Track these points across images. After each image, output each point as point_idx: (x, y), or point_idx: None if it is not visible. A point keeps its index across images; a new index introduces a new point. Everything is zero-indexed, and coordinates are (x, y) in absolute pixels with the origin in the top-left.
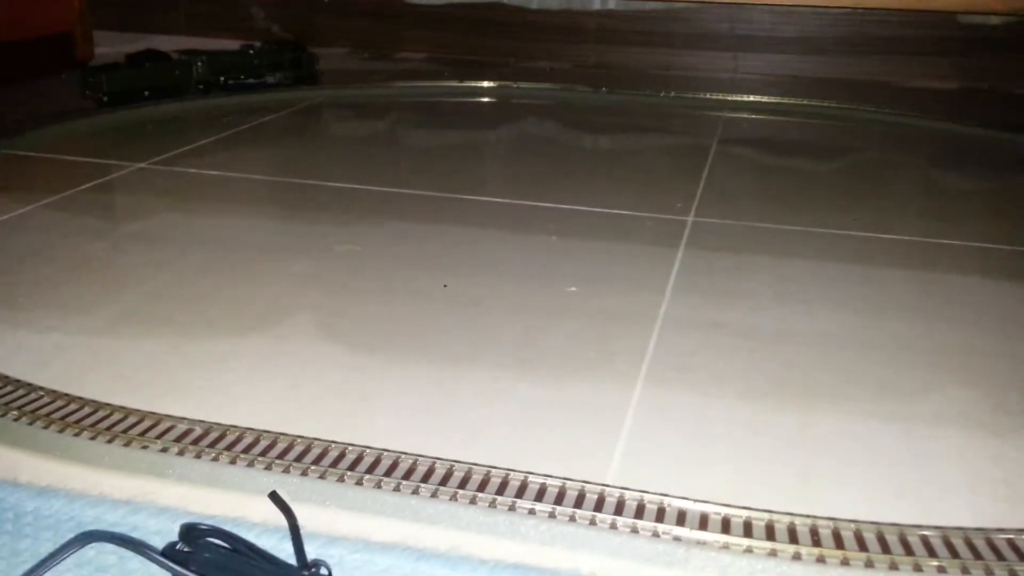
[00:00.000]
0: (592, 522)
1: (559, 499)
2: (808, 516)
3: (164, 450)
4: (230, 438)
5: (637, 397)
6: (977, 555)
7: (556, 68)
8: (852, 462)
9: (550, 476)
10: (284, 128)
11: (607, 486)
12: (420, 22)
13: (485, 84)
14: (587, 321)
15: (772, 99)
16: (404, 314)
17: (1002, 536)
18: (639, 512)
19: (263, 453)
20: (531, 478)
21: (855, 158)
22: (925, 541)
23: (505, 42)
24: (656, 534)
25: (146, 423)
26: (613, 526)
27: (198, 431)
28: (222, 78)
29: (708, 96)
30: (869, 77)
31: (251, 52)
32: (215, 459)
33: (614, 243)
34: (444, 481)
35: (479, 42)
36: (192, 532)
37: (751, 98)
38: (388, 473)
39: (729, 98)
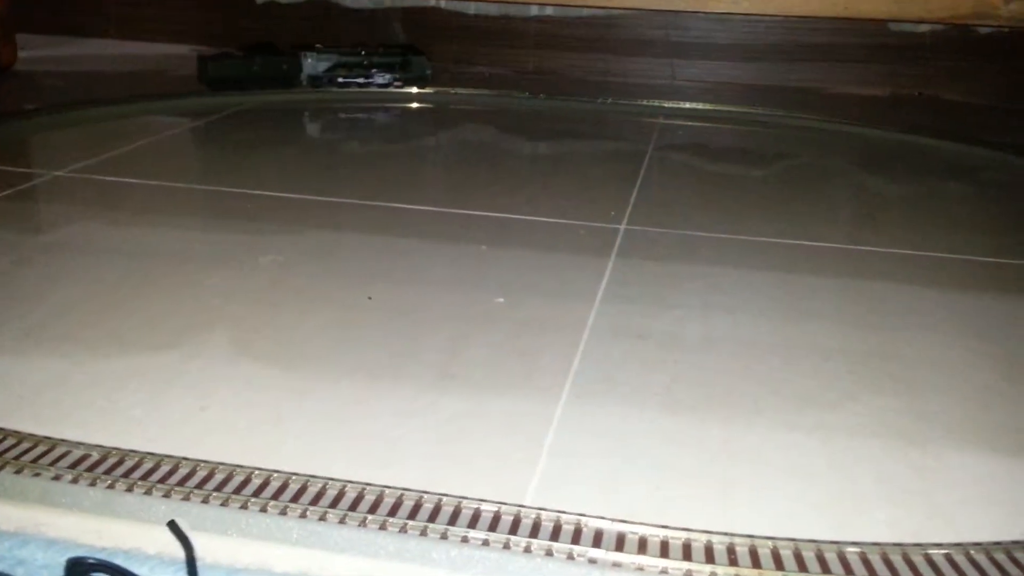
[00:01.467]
0: (506, 546)
1: (473, 522)
2: (725, 534)
3: (57, 477)
4: (128, 464)
5: (560, 412)
6: (894, 571)
7: (495, 74)
8: (772, 476)
9: (465, 498)
10: (212, 134)
11: (523, 507)
12: (357, 26)
13: (422, 90)
14: (514, 333)
15: (707, 106)
16: (325, 328)
17: (920, 553)
18: (555, 534)
19: (163, 480)
20: (445, 500)
21: (787, 165)
22: (842, 558)
23: (443, 47)
24: (571, 556)
25: (40, 448)
26: (527, 549)
27: (95, 456)
28: (332, 75)
29: (644, 103)
30: (802, 84)
31: (363, 52)
32: (110, 486)
33: (545, 252)
34: (354, 506)
35: (418, 46)
36: (78, 567)
37: (687, 105)
38: (295, 499)
39: (665, 104)
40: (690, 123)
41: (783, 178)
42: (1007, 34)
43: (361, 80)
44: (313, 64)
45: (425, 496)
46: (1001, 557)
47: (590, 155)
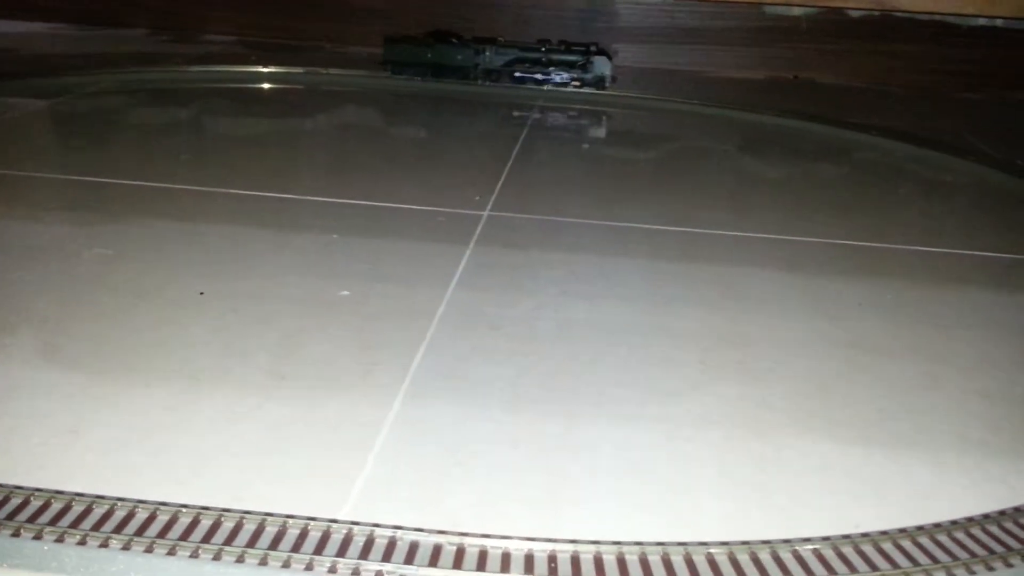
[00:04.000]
0: (308, 566)
1: (276, 541)
2: (548, 540)
3: None
4: None
5: (395, 413)
6: (717, 572)
7: (371, 54)
8: (608, 473)
9: (270, 515)
10: (60, 117)
11: (335, 522)
12: (227, 1)
13: (291, 70)
14: (356, 328)
15: (585, 90)
16: (148, 327)
17: (746, 551)
18: (366, 550)
19: None
20: (247, 519)
21: (664, 149)
22: (666, 561)
23: (320, 25)
24: (380, 575)
25: None
26: (333, 569)
27: None
28: (510, 70)
29: (524, 86)
30: (682, 67)
31: (543, 48)
32: None
33: (402, 241)
34: (142, 529)
35: (292, 24)
36: None
37: (568, 88)
38: (77, 523)
39: (544, 88)
40: (568, 106)
41: (658, 163)
42: (878, 17)
43: (539, 77)
44: (490, 57)
45: (224, 515)
46: (829, 553)
47: (462, 139)
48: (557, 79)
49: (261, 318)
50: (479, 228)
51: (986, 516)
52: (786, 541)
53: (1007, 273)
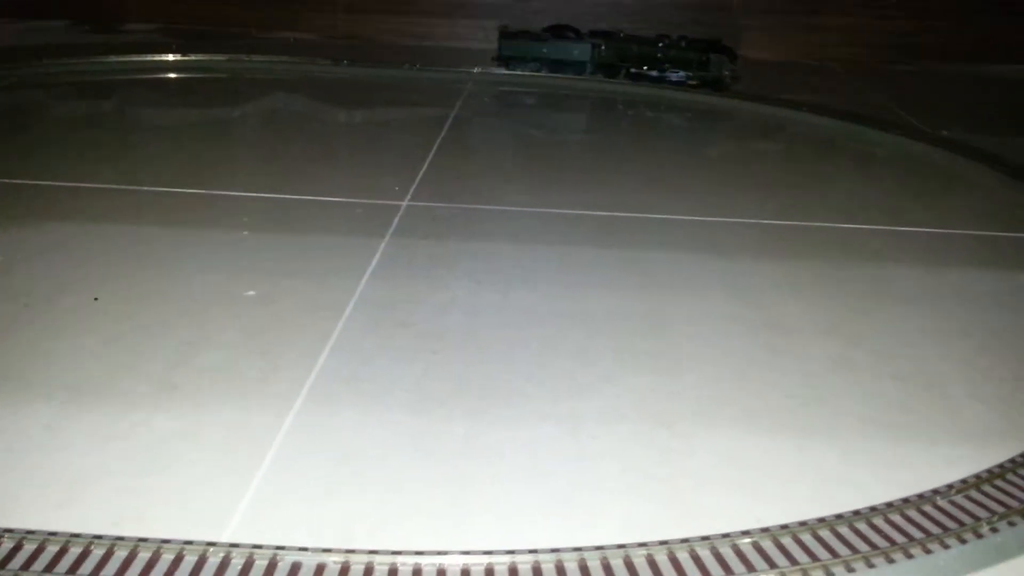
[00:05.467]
0: None
1: (147, 569)
2: (438, 553)
3: None
4: None
5: (291, 422)
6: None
7: (300, 40)
8: (511, 476)
9: (144, 540)
10: None
11: (213, 545)
12: None
13: (213, 57)
14: (259, 330)
15: (518, 72)
16: (36, 338)
17: (640, 553)
18: (244, 574)
19: None
20: (118, 545)
21: (594, 132)
22: (560, 568)
23: (245, 12)
24: None
25: None
26: None
27: None
28: (626, 66)
29: (454, 69)
30: None
31: (660, 44)
32: None
33: (315, 235)
34: (5, 562)
35: (217, 11)
36: None
37: (503, 71)
38: None
39: (475, 71)
40: (501, 89)
41: (586, 146)
42: None
43: (654, 74)
44: (606, 53)
45: (95, 543)
46: (727, 551)
47: (385, 126)
48: (673, 78)
49: (158, 323)
50: (396, 219)
51: (889, 505)
52: (684, 540)
53: (929, 248)
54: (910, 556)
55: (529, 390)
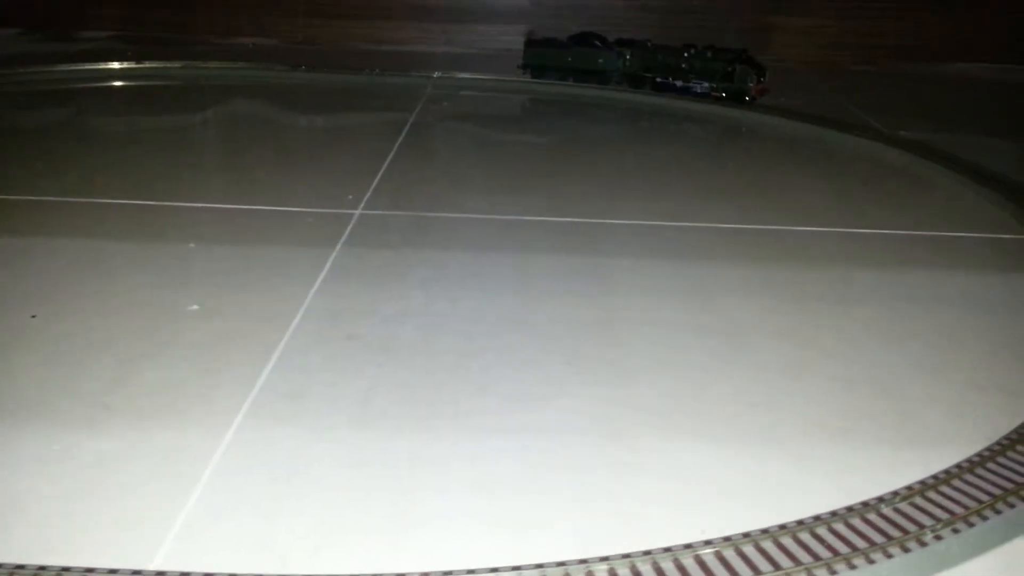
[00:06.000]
0: None
1: None
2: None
3: None
4: None
5: (229, 441)
6: None
7: (259, 45)
8: (457, 495)
9: (67, 570)
10: None
11: (138, 573)
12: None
13: (167, 65)
14: (201, 347)
15: (476, 75)
16: None
17: (580, 570)
18: None
19: None
20: (17, 574)
21: (554, 136)
22: None
23: (203, 18)
24: None
25: None
26: None
27: None
28: (651, 75)
29: (413, 74)
30: None
31: (685, 54)
32: None
33: (264, 246)
34: None
35: (174, 18)
36: None
37: (463, 74)
38: None
39: (433, 75)
40: (462, 93)
41: (546, 150)
42: None
43: (679, 84)
44: (632, 62)
45: (17, 572)
46: (668, 566)
47: (341, 133)
48: (697, 89)
49: (97, 342)
50: (349, 228)
51: (834, 514)
52: (625, 556)
53: (885, 250)
54: (852, 567)
55: (478, 403)
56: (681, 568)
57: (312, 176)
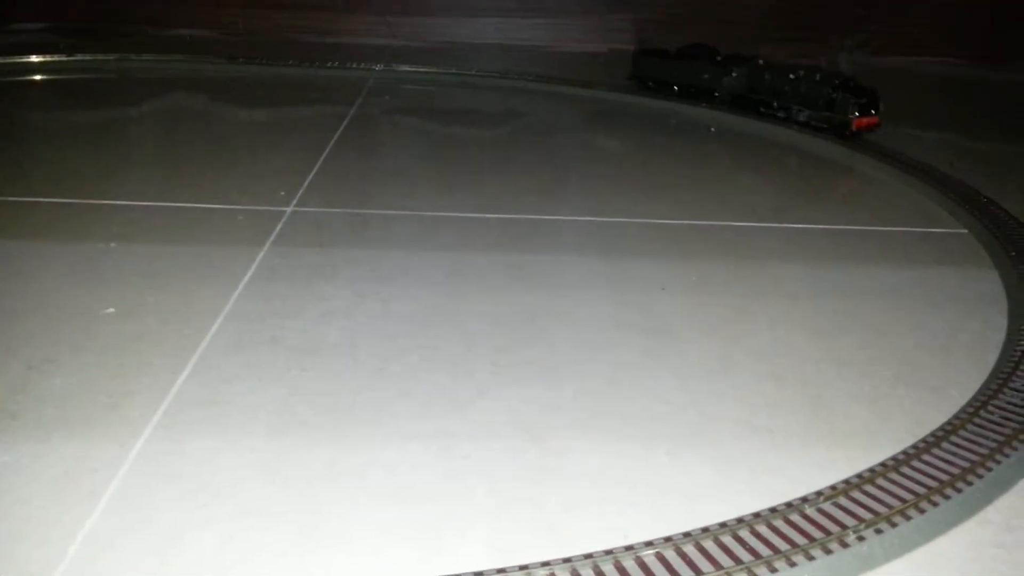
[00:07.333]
0: None
1: None
2: None
3: None
4: None
5: (137, 452)
6: None
7: (197, 37)
8: (371, 503)
9: None
10: None
11: None
12: None
13: (100, 57)
14: (114, 352)
15: (418, 68)
16: None
17: None
18: None
19: None
20: None
21: (495, 130)
22: None
23: (139, 8)
24: None
25: None
26: None
27: None
28: (756, 97)
29: (354, 67)
30: (525, 42)
31: (792, 76)
32: None
33: (189, 245)
34: None
35: (108, 8)
36: None
37: (405, 67)
38: None
39: (376, 68)
40: (403, 87)
41: (487, 145)
42: None
43: (781, 115)
44: (735, 80)
45: None
46: (588, 573)
47: (278, 127)
48: (800, 118)
49: (4, 347)
50: (279, 226)
51: (757, 515)
52: (545, 564)
53: (817, 245)
54: (774, 570)
55: (400, 408)
56: (600, 574)
57: (246, 172)
